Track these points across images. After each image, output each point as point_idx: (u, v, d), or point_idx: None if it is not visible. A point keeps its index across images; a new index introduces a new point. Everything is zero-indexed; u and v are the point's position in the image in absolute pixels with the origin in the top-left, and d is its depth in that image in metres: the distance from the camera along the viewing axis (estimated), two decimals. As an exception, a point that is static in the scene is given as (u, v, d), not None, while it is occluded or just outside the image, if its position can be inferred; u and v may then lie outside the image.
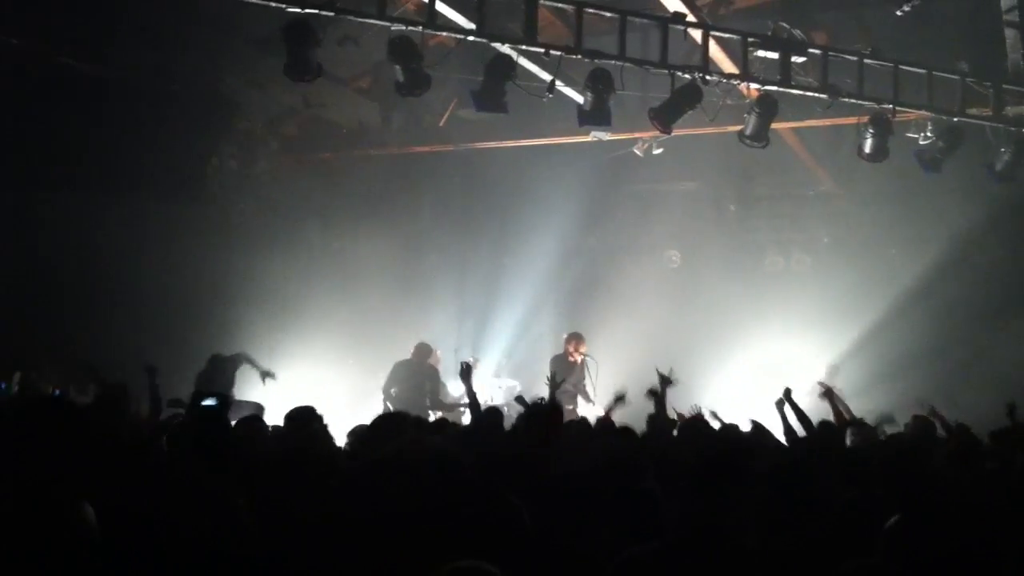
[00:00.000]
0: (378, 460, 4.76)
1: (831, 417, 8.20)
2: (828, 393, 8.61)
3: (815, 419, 7.73)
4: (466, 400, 12.01)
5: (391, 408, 12.06)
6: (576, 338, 12.40)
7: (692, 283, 15.54)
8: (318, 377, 12.60)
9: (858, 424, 7.69)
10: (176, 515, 3.77)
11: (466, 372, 8.03)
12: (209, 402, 6.50)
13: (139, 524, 3.61)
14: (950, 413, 9.09)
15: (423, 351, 12.62)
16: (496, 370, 14.33)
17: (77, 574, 3.08)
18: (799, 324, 14.21)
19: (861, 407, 8.97)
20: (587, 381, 12.11)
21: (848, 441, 7.10)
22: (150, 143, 11.31)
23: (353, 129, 14.12)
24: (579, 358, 12.17)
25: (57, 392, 9.71)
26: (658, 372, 8.06)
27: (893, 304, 13.49)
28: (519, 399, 8.06)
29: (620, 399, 8.59)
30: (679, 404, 8.32)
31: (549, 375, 11.93)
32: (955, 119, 10.45)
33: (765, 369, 13.46)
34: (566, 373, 11.81)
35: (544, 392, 8.46)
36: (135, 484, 4.10)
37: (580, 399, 12.07)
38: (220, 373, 10.14)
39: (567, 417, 8.58)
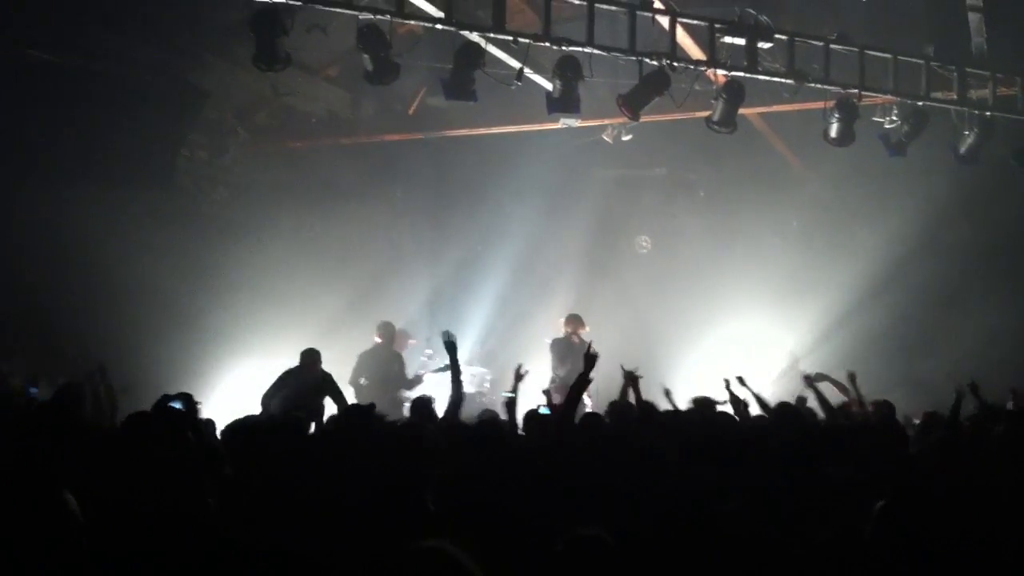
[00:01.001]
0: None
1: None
2: (817, 379, 8.66)
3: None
4: (423, 372, 12.18)
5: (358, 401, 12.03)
6: (576, 320, 12.42)
7: (663, 268, 15.64)
8: (289, 366, 12.60)
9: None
10: (142, 496, 3.85)
11: (451, 346, 7.99)
12: (176, 404, 6.43)
13: (110, 507, 3.69)
14: (914, 391, 9.28)
15: (388, 331, 12.41)
16: (469, 358, 14.36)
17: (67, 561, 3.16)
18: (769, 307, 14.35)
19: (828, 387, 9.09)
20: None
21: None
22: (119, 132, 11.23)
23: (323, 118, 14.09)
24: (580, 340, 12.16)
25: (29, 385, 9.63)
26: (623, 370, 8.33)
27: (861, 284, 13.66)
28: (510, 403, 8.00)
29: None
30: (652, 387, 8.45)
31: (552, 359, 12.02)
32: (920, 103, 10.57)
33: (736, 352, 13.59)
34: (570, 357, 11.86)
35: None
36: (104, 471, 4.17)
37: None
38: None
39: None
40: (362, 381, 11.88)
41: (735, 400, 8.04)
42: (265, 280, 13.12)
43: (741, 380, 8.24)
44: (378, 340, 12.25)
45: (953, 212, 13.12)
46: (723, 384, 8.24)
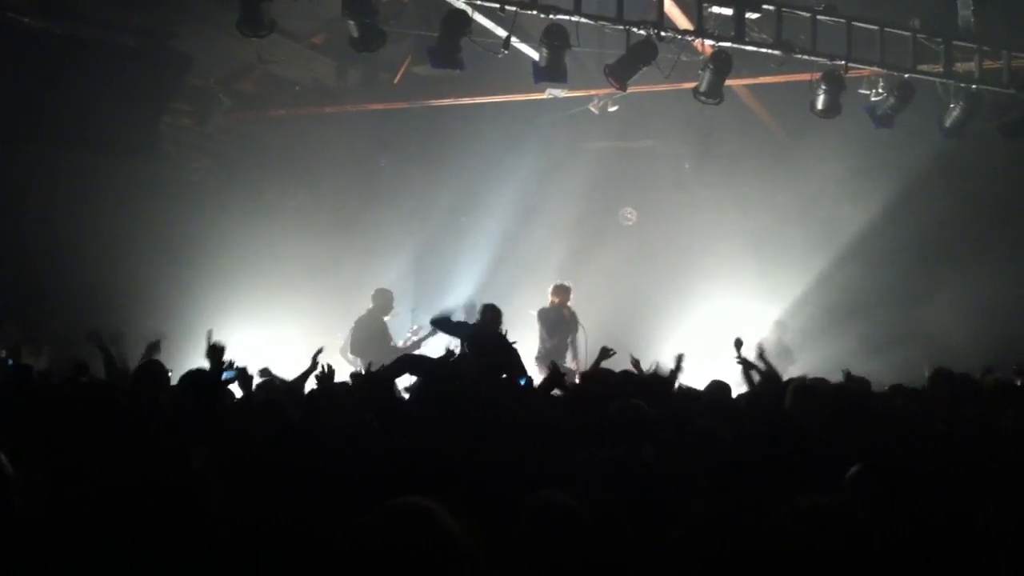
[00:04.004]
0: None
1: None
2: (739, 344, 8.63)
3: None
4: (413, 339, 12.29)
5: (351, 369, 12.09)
6: (564, 290, 12.43)
7: (648, 241, 15.67)
8: (275, 337, 12.58)
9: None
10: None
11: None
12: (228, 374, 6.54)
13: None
14: (889, 360, 9.36)
15: (377, 299, 12.62)
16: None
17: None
18: (755, 279, 14.40)
19: (812, 356, 9.17)
20: (580, 334, 12.12)
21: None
22: (102, 98, 11.11)
23: (308, 86, 13.99)
24: (567, 312, 12.22)
25: (5, 355, 9.60)
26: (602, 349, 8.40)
27: (844, 256, 13.75)
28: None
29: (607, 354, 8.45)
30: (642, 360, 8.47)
31: (540, 329, 12.05)
32: (906, 75, 10.56)
33: (722, 324, 13.62)
34: (560, 326, 11.89)
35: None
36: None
37: (568, 354, 12.06)
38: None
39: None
40: (349, 355, 11.97)
41: (746, 365, 8.01)
42: (249, 248, 13.07)
43: (738, 344, 8.24)
44: (371, 306, 12.59)
45: (939, 184, 13.15)
46: (735, 347, 8.19)
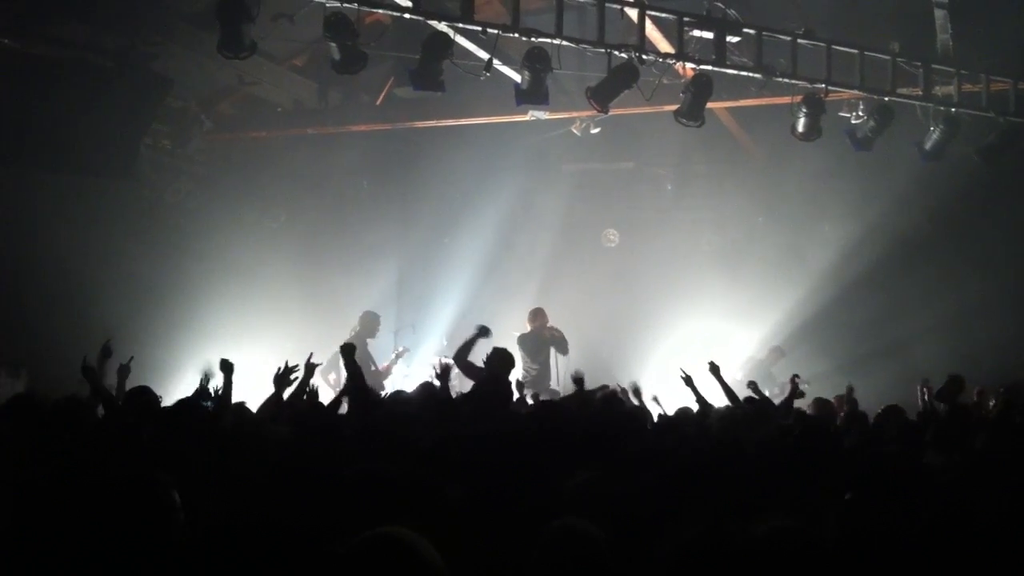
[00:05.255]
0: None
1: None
2: (715, 369, 8.70)
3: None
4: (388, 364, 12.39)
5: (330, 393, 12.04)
6: (541, 314, 12.46)
7: (631, 262, 15.68)
8: (254, 360, 12.48)
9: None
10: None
11: (444, 374, 7.98)
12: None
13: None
14: (867, 379, 9.44)
15: (362, 321, 12.78)
16: (439, 350, 14.30)
17: None
18: (736, 301, 14.43)
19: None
20: (555, 359, 12.13)
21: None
22: (81, 121, 11.05)
23: (289, 107, 13.96)
24: (547, 334, 12.22)
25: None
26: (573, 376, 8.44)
27: (823, 276, 13.82)
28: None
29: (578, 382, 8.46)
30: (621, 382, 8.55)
31: (522, 354, 12.04)
32: (886, 98, 10.62)
33: (703, 346, 13.63)
34: (540, 351, 11.89)
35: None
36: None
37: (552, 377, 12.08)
38: None
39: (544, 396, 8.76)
40: (331, 377, 11.92)
41: (700, 396, 8.13)
42: (229, 271, 13.00)
43: (715, 369, 8.36)
44: (358, 328, 12.76)
45: (916, 207, 13.24)
46: (683, 380, 8.34)
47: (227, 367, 6.92)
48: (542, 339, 12.13)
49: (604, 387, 8.90)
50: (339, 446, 5.20)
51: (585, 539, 3.27)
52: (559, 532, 3.29)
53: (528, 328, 12.42)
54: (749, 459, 5.18)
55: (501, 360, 8.35)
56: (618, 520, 3.62)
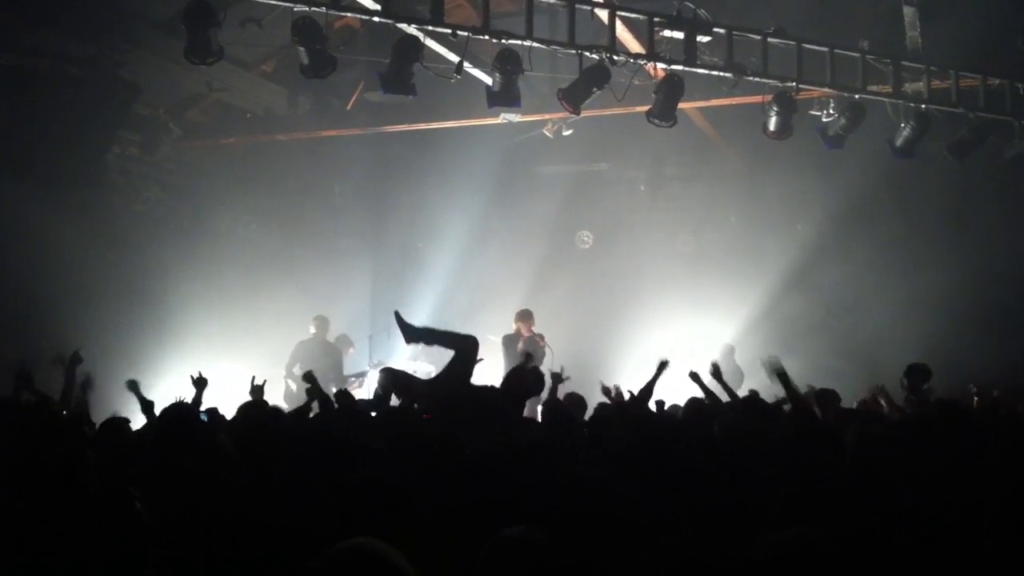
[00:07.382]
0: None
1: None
2: (696, 376, 8.62)
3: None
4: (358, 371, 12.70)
5: (293, 388, 12.04)
6: (528, 316, 12.41)
7: (605, 264, 15.66)
8: (226, 370, 12.35)
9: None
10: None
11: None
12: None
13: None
14: (839, 376, 9.47)
15: (321, 324, 12.96)
16: (413, 354, 14.22)
17: None
18: (710, 302, 14.43)
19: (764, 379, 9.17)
20: (548, 357, 12.07)
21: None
22: (47, 128, 10.92)
23: (259, 113, 13.86)
24: (535, 337, 12.18)
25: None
26: (551, 373, 8.57)
27: (797, 275, 13.84)
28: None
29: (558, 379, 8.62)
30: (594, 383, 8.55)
31: (506, 357, 11.99)
32: (857, 96, 10.65)
33: (678, 348, 13.61)
34: (529, 351, 11.84)
35: None
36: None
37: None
38: None
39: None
40: (295, 369, 11.91)
41: (708, 391, 8.11)
42: (199, 279, 12.88)
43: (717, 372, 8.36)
44: (313, 331, 12.93)
45: (887, 203, 13.30)
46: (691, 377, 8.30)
47: (200, 383, 7.13)
48: (528, 343, 12.08)
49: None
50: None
51: (524, 549, 3.21)
52: (505, 543, 3.22)
53: (514, 330, 12.39)
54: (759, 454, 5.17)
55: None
56: (619, 520, 3.56)
